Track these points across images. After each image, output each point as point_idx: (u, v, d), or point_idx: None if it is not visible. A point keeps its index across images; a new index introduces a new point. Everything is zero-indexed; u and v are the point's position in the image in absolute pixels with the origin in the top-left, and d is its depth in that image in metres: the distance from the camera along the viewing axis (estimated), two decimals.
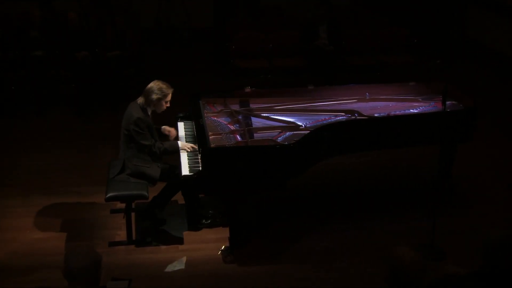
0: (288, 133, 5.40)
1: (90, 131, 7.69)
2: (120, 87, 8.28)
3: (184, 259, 5.11)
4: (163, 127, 5.53)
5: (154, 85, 5.20)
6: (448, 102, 5.57)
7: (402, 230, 5.58)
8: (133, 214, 5.43)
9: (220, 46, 9.92)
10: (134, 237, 5.36)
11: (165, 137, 5.53)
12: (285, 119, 5.65)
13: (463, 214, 5.89)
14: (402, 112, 5.82)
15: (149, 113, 5.28)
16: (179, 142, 5.32)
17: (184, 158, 5.19)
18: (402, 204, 6.04)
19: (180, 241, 5.40)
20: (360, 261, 5.15)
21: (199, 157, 5.11)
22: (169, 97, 5.23)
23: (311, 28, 9.13)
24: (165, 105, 5.25)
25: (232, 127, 5.52)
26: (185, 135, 5.64)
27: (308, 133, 5.14)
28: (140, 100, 5.24)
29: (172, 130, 5.54)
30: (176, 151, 5.29)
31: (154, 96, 5.16)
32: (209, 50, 10.42)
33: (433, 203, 5.20)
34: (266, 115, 5.75)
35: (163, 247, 5.33)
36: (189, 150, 5.25)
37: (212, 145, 5.04)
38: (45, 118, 8.08)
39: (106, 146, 7.15)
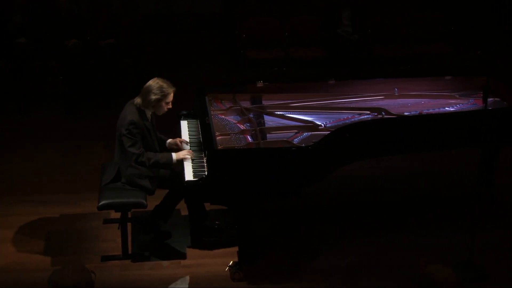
0: (305, 134, 5.42)
1: (80, 130, 7.73)
2: (115, 80, 8.33)
3: (188, 278, 5.13)
4: (169, 141, 5.48)
5: (153, 83, 5.16)
6: (489, 99, 5.55)
7: (436, 245, 5.57)
8: (129, 225, 5.47)
9: (228, 34, 9.96)
10: (130, 251, 5.39)
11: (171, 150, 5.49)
12: (302, 118, 5.66)
13: (507, 227, 5.87)
14: (436, 110, 5.82)
15: (148, 115, 5.26)
16: (174, 154, 5.26)
17: (187, 162, 5.21)
18: (436, 215, 6.03)
19: (182, 255, 5.43)
20: (388, 280, 5.15)
21: (205, 161, 5.13)
22: (170, 98, 5.19)
23: (332, 14, 9.14)
24: (166, 106, 5.21)
25: (242, 127, 5.54)
26: (189, 135, 5.66)
27: (329, 134, 5.15)
28: (137, 100, 5.21)
29: (178, 141, 5.49)
30: (169, 165, 5.26)
31: (153, 97, 5.13)
32: (216, 39, 10.46)
33: (472, 215, 5.19)
34: (280, 113, 5.77)
35: (163, 262, 5.36)
36: (186, 160, 5.22)
37: (220, 147, 5.07)
38: (29, 115, 8.14)
39: (99, 147, 7.19)
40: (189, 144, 5.50)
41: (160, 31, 10.78)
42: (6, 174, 6.74)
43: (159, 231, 5.58)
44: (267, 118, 5.67)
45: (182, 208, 5.72)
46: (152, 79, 5.22)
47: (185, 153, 5.26)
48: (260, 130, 5.36)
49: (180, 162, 5.25)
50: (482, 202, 5.53)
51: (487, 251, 5.39)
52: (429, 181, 6.65)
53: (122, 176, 5.27)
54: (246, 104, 5.91)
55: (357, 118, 5.66)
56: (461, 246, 5.36)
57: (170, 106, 5.25)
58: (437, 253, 5.42)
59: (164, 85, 5.16)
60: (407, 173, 6.77)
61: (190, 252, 5.47)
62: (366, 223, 5.90)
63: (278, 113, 5.77)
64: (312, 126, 5.51)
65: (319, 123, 5.55)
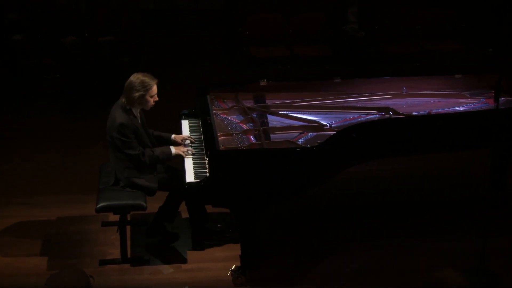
0: (310, 134, 5.41)
1: (80, 130, 7.75)
2: (113, 78, 8.32)
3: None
4: (173, 136, 5.48)
5: (133, 79, 5.12)
6: (501, 98, 5.54)
7: (446, 250, 5.56)
8: (128, 228, 5.47)
9: (231, 31, 9.95)
10: (129, 255, 5.39)
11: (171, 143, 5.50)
12: (307, 118, 5.66)
13: None
14: (446, 110, 5.81)
15: (136, 113, 5.24)
16: (173, 148, 5.29)
17: (188, 163, 5.22)
18: (445, 219, 6.02)
19: (183, 259, 5.43)
20: (395, 285, 5.14)
21: (206, 162, 5.13)
22: (154, 91, 5.15)
23: (338, 10, 9.13)
24: (152, 100, 5.19)
25: (245, 127, 5.54)
26: (190, 135, 5.65)
27: (334, 134, 5.15)
28: (122, 100, 5.17)
29: (183, 137, 5.52)
30: (168, 159, 5.28)
31: (136, 94, 5.08)
32: (218, 35, 10.45)
33: (483, 219, 5.17)
34: (284, 113, 5.76)
35: (163, 266, 5.35)
36: (185, 156, 5.25)
37: (222, 147, 5.06)
38: (30, 115, 8.14)
39: (99, 147, 7.19)
40: (191, 144, 5.50)
41: (160, 27, 10.78)
42: (6, 174, 6.76)
43: (166, 233, 5.58)
44: (270, 118, 5.66)
45: (183, 210, 5.72)
46: (133, 75, 5.17)
47: (184, 150, 5.27)
48: (264, 130, 5.35)
49: (181, 161, 5.25)
50: (493, 205, 5.52)
51: (499, 256, 5.37)
52: (436, 182, 6.65)
53: (119, 181, 5.26)
54: (249, 103, 5.90)
55: (363, 118, 5.64)
56: (472, 250, 5.35)
57: (156, 98, 5.21)
58: (446, 258, 5.41)
59: (146, 79, 5.12)
60: (413, 174, 6.76)
61: (191, 256, 5.47)
62: (371, 226, 5.90)
63: (282, 112, 5.76)
64: (317, 126, 5.50)
65: (325, 123, 5.54)
